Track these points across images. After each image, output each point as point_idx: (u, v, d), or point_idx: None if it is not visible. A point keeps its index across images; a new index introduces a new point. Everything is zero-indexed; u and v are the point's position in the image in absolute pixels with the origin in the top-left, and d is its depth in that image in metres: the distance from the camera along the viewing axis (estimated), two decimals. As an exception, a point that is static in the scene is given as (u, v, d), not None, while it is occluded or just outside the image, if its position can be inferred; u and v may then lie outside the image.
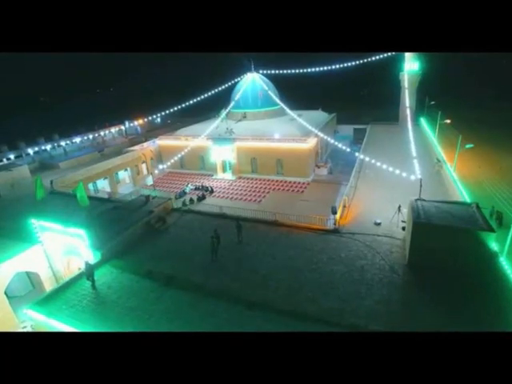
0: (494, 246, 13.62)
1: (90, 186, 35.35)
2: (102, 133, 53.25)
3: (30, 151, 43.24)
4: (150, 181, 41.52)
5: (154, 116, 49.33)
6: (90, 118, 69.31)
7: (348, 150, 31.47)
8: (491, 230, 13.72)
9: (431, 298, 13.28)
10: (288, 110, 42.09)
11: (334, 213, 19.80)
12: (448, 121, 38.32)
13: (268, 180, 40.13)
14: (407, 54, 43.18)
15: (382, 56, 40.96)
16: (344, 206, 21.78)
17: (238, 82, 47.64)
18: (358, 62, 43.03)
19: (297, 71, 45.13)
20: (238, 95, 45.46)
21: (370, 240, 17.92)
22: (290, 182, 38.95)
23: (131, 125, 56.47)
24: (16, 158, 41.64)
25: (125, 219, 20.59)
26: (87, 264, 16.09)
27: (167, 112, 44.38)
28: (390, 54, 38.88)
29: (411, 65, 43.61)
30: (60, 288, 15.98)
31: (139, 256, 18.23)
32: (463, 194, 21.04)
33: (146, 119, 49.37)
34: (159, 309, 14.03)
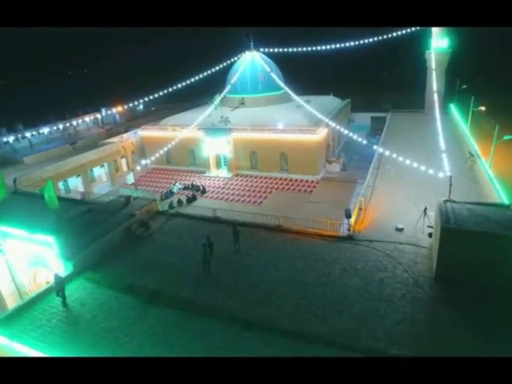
0: (537, 255, 13.63)
1: (61, 184, 35.38)
2: (74, 122, 53.21)
3: (-11, 144, 43.28)
4: (130, 179, 41.42)
5: (136, 102, 49.21)
6: (60, 105, 69.41)
7: (364, 142, 31.47)
8: (534, 236, 13.73)
9: (463, 316, 13.28)
10: (294, 96, 42.06)
11: (348, 216, 19.82)
12: (483, 108, 38.25)
13: (270, 178, 40.14)
14: (434, 30, 43.15)
15: (404, 31, 40.94)
16: (360, 209, 21.81)
17: (235, 62, 47.62)
18: (376, 39, 42.99)
19: (304, 49, 45.11)
20: (234, 78, 45.45)
21: (391, 249, 17.93)
22: (295, 181, 38.97)
23: (109, 112, 56.43)
24: (-28, 151, 41.66)
25: (101, 224, 20.58)
26: (57, 277, 16.08)
27: (151, 97, 44.27)
28: (414, 29, 38.86)
29: (439, 42, 43.58)
30: (25, 305, 15.98)
31: (118, 267, 18.23)
32: (500, 194, 21.04)
33: (126, 106, 49.31)
34: (141, 330, 14.02)
